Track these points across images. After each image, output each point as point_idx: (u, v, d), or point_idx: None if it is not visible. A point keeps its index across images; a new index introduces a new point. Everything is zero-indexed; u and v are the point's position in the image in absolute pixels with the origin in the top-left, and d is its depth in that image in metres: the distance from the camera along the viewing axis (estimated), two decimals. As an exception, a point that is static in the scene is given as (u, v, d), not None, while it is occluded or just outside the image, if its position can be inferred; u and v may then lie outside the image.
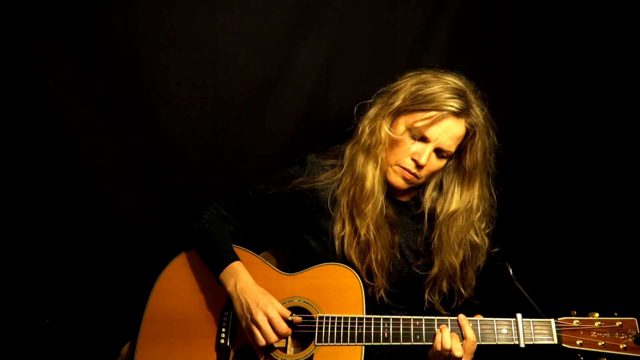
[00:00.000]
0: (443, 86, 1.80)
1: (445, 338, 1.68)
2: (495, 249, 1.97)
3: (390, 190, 1.93)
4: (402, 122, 1.82)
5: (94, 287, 2.21)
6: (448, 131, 1.80)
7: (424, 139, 1.81)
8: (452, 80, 1.82)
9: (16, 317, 2.13)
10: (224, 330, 1.86)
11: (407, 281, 1.93)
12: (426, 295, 1.93)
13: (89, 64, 2.08)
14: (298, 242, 1.97)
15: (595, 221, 2.48)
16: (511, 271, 1.80)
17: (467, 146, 1.87)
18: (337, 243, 1.87)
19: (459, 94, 1.80)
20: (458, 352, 1.67)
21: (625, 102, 2.40)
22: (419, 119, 1.79)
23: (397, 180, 1.86)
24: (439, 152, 1.84)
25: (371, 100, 1.94)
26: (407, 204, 1.99)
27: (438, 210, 1.92)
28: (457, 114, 1.79)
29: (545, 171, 2.58)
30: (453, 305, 1.97)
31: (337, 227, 1.88)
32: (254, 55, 2.23)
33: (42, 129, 2.07)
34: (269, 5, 2.23)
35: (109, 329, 2.16)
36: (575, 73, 2.52)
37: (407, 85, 1.84)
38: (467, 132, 1.85)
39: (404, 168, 1.84)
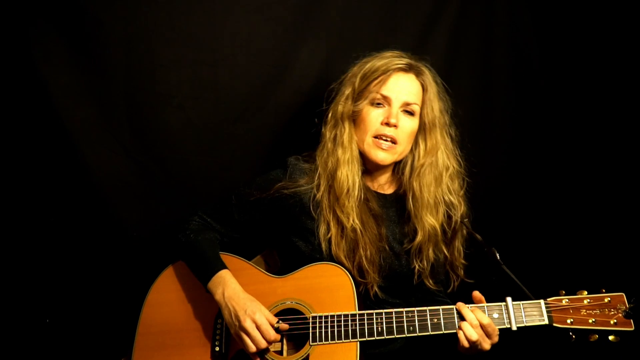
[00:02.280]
0: (381, 56, 1.96)
1: (469, 333, 1.69)
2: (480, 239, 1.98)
3: (372, 184, 1.99)
4: (362, 100, 1.91)
5: (93, 289, 2.19)
6: (402, 84, 1.91)
7: (385, 100, 1.90)
8: (389, 52, 1.98)
9: (16, 317, 2.12)
10: (217, 338, 1.86)
11: (398, 273, 1.94)
12: (416, 267, 1.94)
13: (89, 64, 2.08)
14: (286, 245, 1.97)
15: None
16: (498, 256, 1.83)
17: (425, 101, 1.95)
18: (324, 245, 1.87)
19: (399, 56, 1.96)
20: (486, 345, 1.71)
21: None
22: (372, 86, 1.90)
23: (377, 154, 1.90)
24: (405, 108, 1.91)
25: (325, 107, 2.00)
26: (390, 196, 2.01)
27: (411, 177, 1.97)
28: (404, 70, 1.93)
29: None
30: (450, 289, 2.01)
31: (322, 230, 1.88)
32: (254, 55, 2.24)
33: (42, 129, 2.07)
34: (269, 5, 2.23)
35: (109, 330, 2.15)
36: (577, 70, 2.54)
37: (351, 74, 1.97)
38: (422, 87, 1.95)
39: (379, 136, 1.89)
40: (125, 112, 2.15)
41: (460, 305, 1.73)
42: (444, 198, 1.96)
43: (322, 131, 1.98)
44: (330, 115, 1.97)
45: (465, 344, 1.69)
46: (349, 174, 1.89)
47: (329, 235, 1.87)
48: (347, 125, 1.93)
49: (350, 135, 1.93)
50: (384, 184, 2.02)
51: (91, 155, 2.12)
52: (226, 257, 1.93)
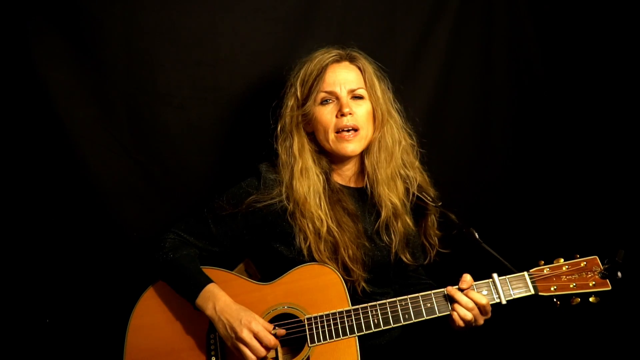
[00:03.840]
0: (311, 58, 1.97)
1: (463, 314, 1.74)
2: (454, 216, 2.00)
3: (343, 180, 2.00)
4: (308, 103, 1.93)
5: (93, 289, 2.19)
6: (341, 74, 1.93)
7: (331, 95, 1.91)
8: (316, 52, 1.99)
9: (16, 317, 2.12)
10: (213, 353, 1.84)
11: (382, 263, 1.94)
12: (385, 238, 1.95)
13: (89, 64, 2.08)
14: (268, 252, 1.95)
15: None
16: (477, 235, 1.87)
17: (366, 82, 1.96)
18: (305, 252, 1.86)
19: (327, 51, 1.98)
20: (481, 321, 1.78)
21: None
22: (314, 87, 1.92)
23: (346, 147, 1.92)
24: (352, 94, 1.92)
25: (273, 126, 2.01)
26: (362, 189, 2.01)
27: (365, 158, 2.00)
28: (337, 60, 1.95)
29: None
30: (427, 260, 2.07)
31: (300, 238, 1.88)
32: (254, 55, 2.24)
33: (42, 129, 2.07)
34: (269, 5, 2.24)
35: (109, 331, 2.13)
36: (577, 69, 2.55)
37: (290, 84, 1.99)
38: (360, 70, 1.97)
39: (341, 129, 1.90)
40: (125, 112, 2.15)
41: (451, 289, 1.77)
42: (399, 172, 1.98)
43: (276, 148, 1.98)
44: (279, 130, 1.98)
45: (461, 323, 1.75)
46: (304, 184, 1.90)
47: (308, 243, 1.87)
48: (295, 135, 1.95)
49: (300, 144, 1.94)
50: (354, 177, 2.03)
51: (91, 155, 2.12)
52: (209, 271, 1.89)
